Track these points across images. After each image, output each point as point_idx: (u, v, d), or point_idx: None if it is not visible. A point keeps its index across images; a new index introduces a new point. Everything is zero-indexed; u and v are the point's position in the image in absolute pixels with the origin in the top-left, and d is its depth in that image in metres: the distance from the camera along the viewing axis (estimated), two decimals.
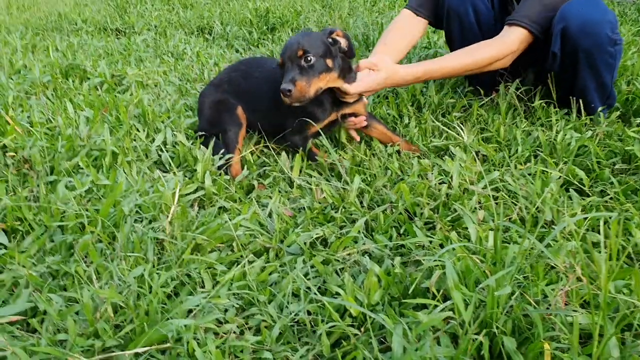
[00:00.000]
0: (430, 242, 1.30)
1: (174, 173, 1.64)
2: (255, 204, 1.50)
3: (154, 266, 1.19)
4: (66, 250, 1.26)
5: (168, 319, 1.00)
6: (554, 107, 1.96)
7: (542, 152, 1.74)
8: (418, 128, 1.93)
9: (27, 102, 2.07)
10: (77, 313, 1.05)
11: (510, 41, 1.81)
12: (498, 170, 1.64)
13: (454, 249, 1.14)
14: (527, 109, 2.05)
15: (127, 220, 1.28)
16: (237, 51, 3.44)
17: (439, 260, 1.11)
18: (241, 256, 1.27)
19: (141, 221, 1.32)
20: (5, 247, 1.25)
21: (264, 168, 1.75)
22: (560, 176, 1.54)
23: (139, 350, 0.92)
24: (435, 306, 1.01)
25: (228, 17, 3.98)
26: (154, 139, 1.84)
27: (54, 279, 1.18)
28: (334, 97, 1.71)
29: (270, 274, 1.22)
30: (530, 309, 0.97)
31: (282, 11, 4.06)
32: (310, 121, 1.68)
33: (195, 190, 1.53)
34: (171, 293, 1.14)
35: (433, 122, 1.95)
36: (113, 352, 0.95)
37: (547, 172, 1.59)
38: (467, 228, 1.32)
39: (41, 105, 2.01)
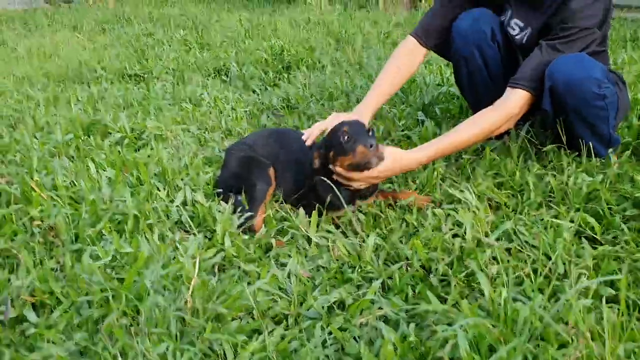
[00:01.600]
0: (445, 300, 1.32)
1: (194, 234, 1.69)
2: (274, 265, 1.54)
3: (176, 339, 1.23)
4: (93, 324, 1.31)
5: None
6: (565, 150, 1.98)
7: (554, 197, 1.75)
8: (435, 172, 1.96)
9: (51, 163, 2.14)
10: None
11: (512, 105, 1.85)
12: (511, 218, 1.66)
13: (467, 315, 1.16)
14: (538, 152, 2.06)
15: (149, 292, 1.33)
16: (253, 92, 3.52)
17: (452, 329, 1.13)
18: (261, 323, 1.30)
19: (163, 293, 1.36)
20: (35, 325, 1.30)
21: (283, 224, 1.78)
22: (571, 226, 1.55)
23: None
24: None
25: (244, 57, 4.07)
26: (173, 200, 1.89)
27: (81, 355, 1.23)
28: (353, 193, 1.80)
29: (289, 341, 1.25)
30: None
31: (297, 48, 4.14)
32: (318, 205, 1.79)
33: (215, 254, 1.57)
34: None
35: (442, 173, 1.98)
36: None
37: (558, 219, 1.60)
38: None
39: (64, 168, 2.08)
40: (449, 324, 1.19)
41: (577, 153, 1.97)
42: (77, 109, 2.85)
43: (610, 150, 1.92)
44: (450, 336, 1.12)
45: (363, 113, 2.03)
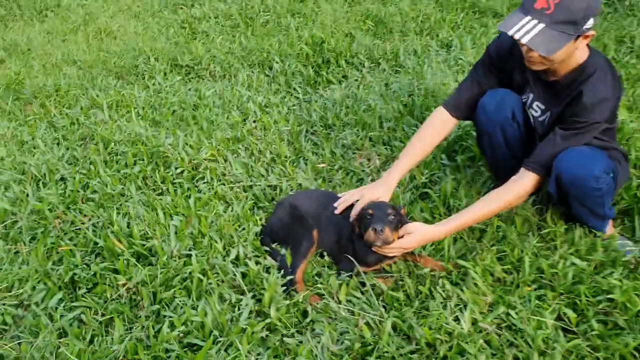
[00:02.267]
0: None
1: (245, 293, 2.10)
2: (310, 339, 1.94)
3: None
4: None
5: None
6: (565, 223, 2.28)
7: (545, 276, 2.08)
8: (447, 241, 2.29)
9: (126, 205, 2.55)
10: None
11: (524, 186, 2.13)
12: (505, 300, 2.00)
13: None
14: (540, 223, 2.36)
15: None
16: (294, 89, 3.80)
17: None
18: None
19: None
20: None
21: (318, 287, 2.17)
22: (552, 318, 1.89)
23: None
24: None
25: (286, 48, 4.28)
26: (228, 254, 2.28)
27: None
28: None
29: None
30: None
31: (337, 38, 4.31)
32: (356, 263, 2.17)
33: (262, 328, 1.98)
34: None
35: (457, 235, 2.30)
36: None
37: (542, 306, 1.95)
38: None
39: (138, 216, 2.48)
40: None
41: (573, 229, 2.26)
42: (140, 131, 3.18)
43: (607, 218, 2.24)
44: None
45: (388, 181, 2.33)
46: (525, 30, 1.94)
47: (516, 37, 1.95)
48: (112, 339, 1.92)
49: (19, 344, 1.92)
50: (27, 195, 2.70)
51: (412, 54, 4.14)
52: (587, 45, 2.08)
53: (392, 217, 2.10)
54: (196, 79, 4.16)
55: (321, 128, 3.28)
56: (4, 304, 2.09)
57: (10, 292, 2.16)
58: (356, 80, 3.86)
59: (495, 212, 2.17)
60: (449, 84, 3.44)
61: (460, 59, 3.89)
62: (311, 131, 3.30)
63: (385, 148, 2.97)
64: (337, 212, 2.33)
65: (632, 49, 3.93)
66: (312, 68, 4.05)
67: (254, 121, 3.41)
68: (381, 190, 2.30)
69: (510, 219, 2.36)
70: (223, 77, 4.14)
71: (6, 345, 1.92)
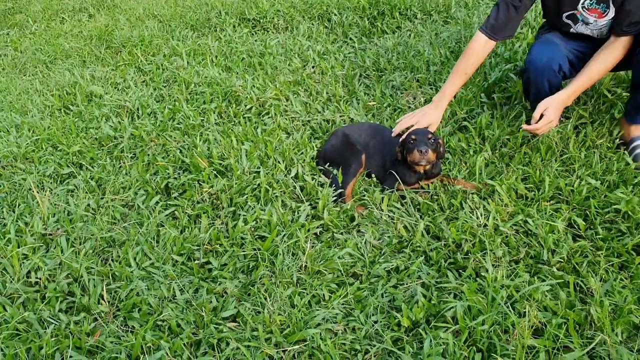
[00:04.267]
0: (460, 274, 2.11)
1: (303, 202, 2.54)
2: (355, 235, 2.37)
3: (296, 285, 2.13)
4: (247, 270, 2.24)
5: (307, 324, 1.94)
6: (586, 150, 2.58)
7: (562, 193, 2.41)
8: (481, 158, 2.63)
9: (206, 134, 3.04)
10: (258, 312, 2.02)
11: (620, 48, 2.48)
12: (524, 210, 2.35)
13: (467, 290, 1.95)
14: (563, 150, 2.66)
15: (281, 253, 2.22)
16: (351, 39, 4.16)
17: (456, 301, 1.94)
18: (344, 279, 2.17)
19: (288, 254, 2.25)
20: (215, 268, 2.25)
21: (364, 198, 2.59)
22: (563, 224, 2.23)
23: (293, 347, 1.88)
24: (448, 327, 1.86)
25: (344, 1, 4.62)
26: (289, 171, 2.73)
27: (244, 288, 2.17)
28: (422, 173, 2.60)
29: (362, 291, 2.11)
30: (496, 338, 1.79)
31: None
32: (400, 181, 2.58)
33: (318, 226, 2.42)
34: (308, 304, 2.08)
35: (487, 159, 2.65)
36: (277, 344, 1.92)
37: (557, 215, 2.29)
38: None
39: (216, 141, 2.96)
40: (455, 295, 2.00)
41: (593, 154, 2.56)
42: (215, 74, 3.65)
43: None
44: (455, 304, 1.93)
45: (440, 104, 2.71)
46: None
47: None
48: (199, 229, 2.42)
49: (128, 231, 2.45)
50: (125, 124, 3.23)
51: (463, 7, 4.40)
52: None
53: (432, 141, 2.49)
54: (262, 31, 4.60)
55: (374, 72, 3.65)
56: (114, 205, 2.63)
57: (118, 195, 2.70)
58: (408, 30, 4.17)
59: (605, 72, 2.52)
60: None
61: None
62: (364, 75, 3.67)
63: (431, 88, 3.31)
64: (393, 134, 2.72)
65: None
66: (368, 20, 4.39)
67: (313, 67, 3.81)
68: (433, 115, 2.68)
69: (536, 147, 2.68)
70: (286, 29, 4.56)
71: (119, 230, 2.45)
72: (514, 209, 2.38)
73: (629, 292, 1.94)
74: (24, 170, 2.99)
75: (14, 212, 2.64)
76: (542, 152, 2.63)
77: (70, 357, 1.90)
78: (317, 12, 4.63)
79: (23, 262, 2.29)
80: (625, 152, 2.60)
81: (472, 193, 2.51)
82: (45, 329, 2.02)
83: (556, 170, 2.54)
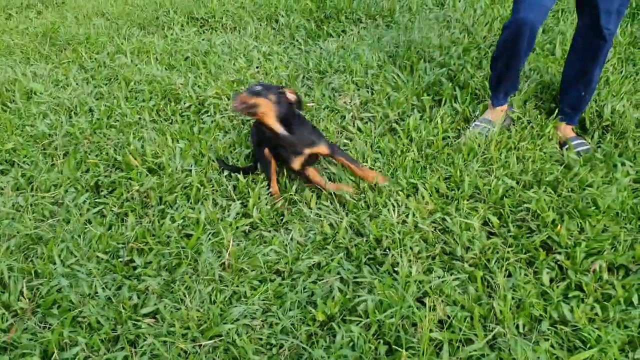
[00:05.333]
0: (378, 270, 2.18)
1: (234, 201, 2.58)
2: (282, 233, 2.42)
3: (219, 282, 2.17)
4: (171, 268, 2.26)
5: (225, 321, 1.98)
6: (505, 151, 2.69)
7: (480, 193, 2.51)
8: (408, 158, 2.71)
9: (141, 132, 3.05)
10: (178, 309, 2.05)
11: None
12: (444, 208, 2.44)
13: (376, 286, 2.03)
14: (484, 152, 2.76)
15: (204, 251, 2.26)
16: (297, 41, 4.22)
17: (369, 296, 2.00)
18: (267, 275, 2.22)
19: (212, 251, 2.29)
20: (139, 265, 2.27)
21: (294, 197, 2.64)
22: (479, 223, 2.33)
23: (208, 342, 1.92)
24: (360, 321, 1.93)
25: (292, 4, 4.68)
26: (223, 170, 2.77)
27: (167, 286, 2.19)
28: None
29: (283, 287, 2.16)
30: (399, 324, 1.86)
31: None
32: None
33: (247, 224, 2.46)
34: (227, 300, 2.12)
35: (414, 159, 2.73)
36: (194, 339, 1.96)
37: (473, 214, 2.38)
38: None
39: (150, 139, 2.97)
40: (370, 290, 2.07)
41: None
42: (156, 72, 3.66)
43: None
44: (367, 299, 2.00)
45: None
46: None
47: None
48: (126, 227, 2.44)
49: (55, 228, 2.45)
50: (62, 122, 3.22)
51: (406, 12, 4.50)
52: None
53: (259, 88, 2.45)
54: (210, 30, 4.62)
55: (316, 74, 3.71)
56: (43, 202, 2.62)
57: (47, 193, 2.69)
58: (352, 34, 4.25)
59: None
60: (431, 37, 3.81)
61: (449, 15, 4.24)
62: (307, 77, 3.72)
63: (367, 91, 3.39)
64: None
65: None
66: (315, 22, 4.45)
67: (257, 67, 3.85)
68: None
69: (459, 148, 2.78)
70: (234, 29, 4.59)
71: (45, 228, 2.45)
72: (434, 207, 2.47)
73: (532, 287, 2.04)
74: None
75: None
76: (464, 153, 2.73)
77: None
78: (265, 14, 4.67)
79: None
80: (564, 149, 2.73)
81: (398, 190, 2.58)
82: None
83: (476, 170, 2.64)
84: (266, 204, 2.57)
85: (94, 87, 3.65)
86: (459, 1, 4.47)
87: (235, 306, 2.07)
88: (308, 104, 3.34)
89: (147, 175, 2.72)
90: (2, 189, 2.76)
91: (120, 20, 4.81)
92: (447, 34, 3.92)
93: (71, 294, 2.12)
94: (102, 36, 4.46)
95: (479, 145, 2.76)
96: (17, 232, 2.42)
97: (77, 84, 3.73)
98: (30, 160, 2.95)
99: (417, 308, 1.96)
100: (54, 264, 2.27)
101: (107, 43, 4.35)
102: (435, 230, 2.37)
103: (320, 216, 2.50)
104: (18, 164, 2.94)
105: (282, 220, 2.53)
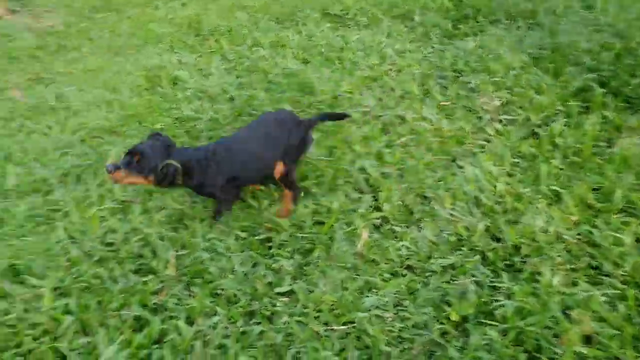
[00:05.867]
0: (516, 277, 2.09)
1: (364, 194, 2.59)
2: (414, 230, 2.39)
3: (349, 270, 2.18)
4: (305, 251, 2.31)
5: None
6: None
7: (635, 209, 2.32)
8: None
9: None
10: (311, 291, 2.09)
11: None
12: (591, 220, 2.28)
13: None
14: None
15: (337, 239, 2.29)
16: (431, 39, 4.16)
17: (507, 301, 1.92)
18: (398, 270, 2.20)
19: (344, 240, 2.31)
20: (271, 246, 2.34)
21: (425, 193, 2.59)
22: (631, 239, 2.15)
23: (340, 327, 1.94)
24: None
25: (428, 2, 4.62)
26: (355, 163, 2.78)
27: (300, 269, 2.24)
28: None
29: (416, 283, 2.13)
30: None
31: None
32: None
33: (378, 217, 2.46)
34: (359, 290, 2.12)
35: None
36: (326, 323, 1.98)
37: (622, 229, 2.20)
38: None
39: None
40: (508, 296, 1.98)
41: None
42: (292, 64, 3.77)
43: None
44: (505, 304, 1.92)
45: None
46: None
47: None
48: (260, 209, 2.53)
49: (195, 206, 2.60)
50: (205, 108, 3.41)
51: (550, 14, 4.28)
52: None
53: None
54: (344, 27, 4.67)
55: (451, 73, 3.62)
56: None
57: None
58: (491, 34, 4.11)
59: None
60: (580, 41, 3.59)
61: (599, 19, 3.97)
62: (441, 75, 3.65)
63: (507, 92, 3.25)
64: None
65: None
66: (452, 22, 4.36)
67: (390, 64, 3.84)
68: None
69: (611, 158, 2.59)
70: (367, 26, 4.61)
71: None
72: (579, 218, 2.32)
73: None
74: (110, 143, 3.23)
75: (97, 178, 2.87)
76: (617, 164, 2.54)
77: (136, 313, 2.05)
78: (399, 12, 4.65)
79: (101, 224, 2.49)
80: None
81: (541, 197, 2.45)
82: (116, 285, 2.18)
83: (631, 183, 2.44)
84: (397, 200, 2.55)
85: (235, 78, 3.83)
86: (610, 4, 4.17)
87: (367, 296, 2.07)
88: (442, 103, 3.28)
89: None
90: None
91: (259, 14, 5.01)
92: (597, 37, 3.68)
93: (211, 266, 2.24)
94: (244, 28, 4.68)
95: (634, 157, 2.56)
96: (166, 205, 2.60)
97: (219, 72, 3.93)
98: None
99: (561, 320, 1.85)
100: (195, 237, 2.40)
101: (247, 36, 4.54)
102: (580, 242, 2.22)
103: (453, 216, 2.44)
104: None
105: (412, 216, 2.49)
